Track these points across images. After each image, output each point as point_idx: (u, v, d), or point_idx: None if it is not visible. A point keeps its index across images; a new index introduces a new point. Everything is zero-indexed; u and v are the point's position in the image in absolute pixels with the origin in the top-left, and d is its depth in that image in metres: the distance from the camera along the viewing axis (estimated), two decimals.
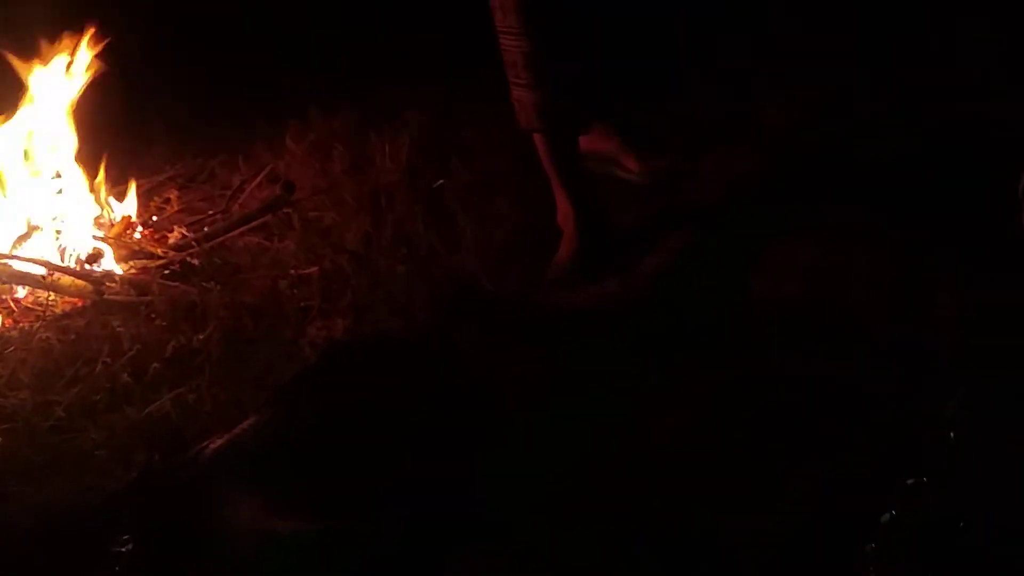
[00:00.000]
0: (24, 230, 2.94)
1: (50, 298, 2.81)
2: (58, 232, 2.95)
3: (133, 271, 2.91)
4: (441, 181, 2.92)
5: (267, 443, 1.94)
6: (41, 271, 2.83)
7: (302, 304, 2.49)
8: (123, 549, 1.82)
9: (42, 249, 2.92)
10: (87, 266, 2.89)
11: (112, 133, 3.24)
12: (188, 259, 2.91)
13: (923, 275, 2.19)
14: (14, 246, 2.88)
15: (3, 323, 2.73)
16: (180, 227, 3.05)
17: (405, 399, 1.98)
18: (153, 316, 2.62)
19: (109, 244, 2.94)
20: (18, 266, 2.84)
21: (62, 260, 2.89)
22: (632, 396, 2.01)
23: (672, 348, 2.13)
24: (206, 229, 3.05)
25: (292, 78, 3.70)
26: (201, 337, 2.33)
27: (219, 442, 2.01)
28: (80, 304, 2.79)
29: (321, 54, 3.72)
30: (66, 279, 2.82)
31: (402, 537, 1.72)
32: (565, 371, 2.12)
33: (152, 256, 2.97)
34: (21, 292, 2.86)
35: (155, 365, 2.32)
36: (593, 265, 2.46)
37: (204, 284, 2.71)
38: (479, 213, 2.83)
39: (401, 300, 2.44)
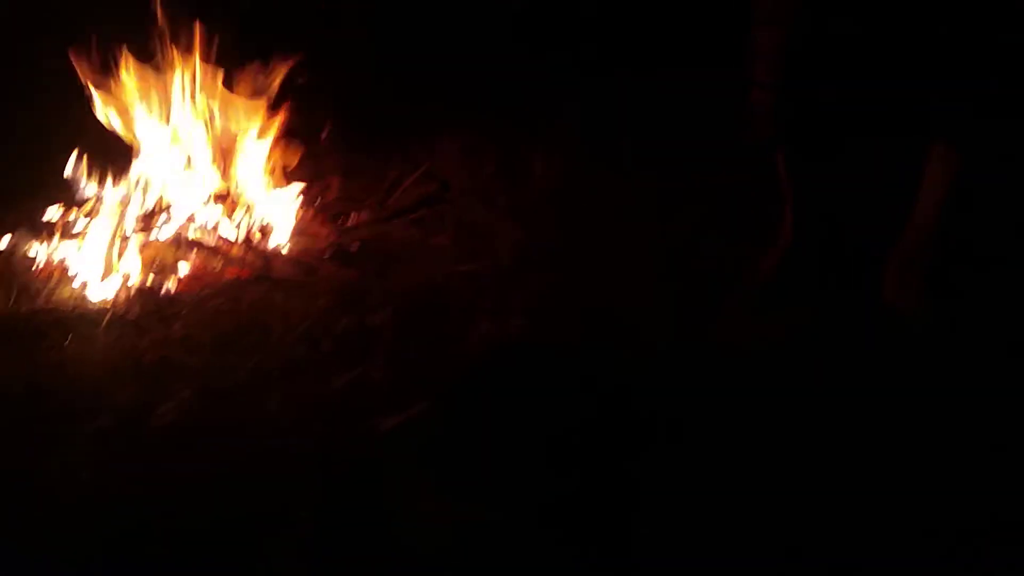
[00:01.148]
0: (202, 200, 3.13)
1: (218, 266, 3.00)
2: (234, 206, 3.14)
3: (296, 251, 3.06)
4: (597, 192, 3.00)
5: (444, 428, 2.04)
6: (212, 241, 3.03)
7: (465, 298, 2.59)
8: None
9: (216, 220, 3.11)
10: (256, 241, 3.06)
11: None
12: (348, 244, 3.07)
13: None
14: (190, 217, 3.08)
15: (175, 286, 2.91)
16: (349, 211, 3.18)
17: (577, 406, 2.05)
18: (319, 296, 2.76)
19: (281, 223, 3.11)
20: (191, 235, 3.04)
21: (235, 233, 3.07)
22: None
23: None
24: (368, 216, 3.18)
25: (447, 81, 3.84)
26: (376, 319, 2.43)
27: (393, 422, 2.12)
28: (247, 276, 2.96)
29: (478, 58, 3.86)
30: (235, 251, 3.00)
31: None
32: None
33: (314, 238, 3.13)
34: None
35: (327, 342, 2.46)
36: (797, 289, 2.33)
37: (365, 270, 2.85)
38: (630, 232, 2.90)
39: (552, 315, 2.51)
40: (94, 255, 2.95)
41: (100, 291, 2.86)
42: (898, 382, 2.11)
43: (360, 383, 2.25)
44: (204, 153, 3.17)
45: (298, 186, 3.28)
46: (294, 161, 3.30)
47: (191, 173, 3.14)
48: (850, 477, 1.90)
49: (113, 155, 3.18)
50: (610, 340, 2.25)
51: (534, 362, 2.16)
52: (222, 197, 3.13)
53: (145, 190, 3.13)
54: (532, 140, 3.47)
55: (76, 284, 2.87)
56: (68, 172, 3.13)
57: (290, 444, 2.08)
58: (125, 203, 3.09)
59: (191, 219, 3.06)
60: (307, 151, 3.46)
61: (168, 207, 3.07)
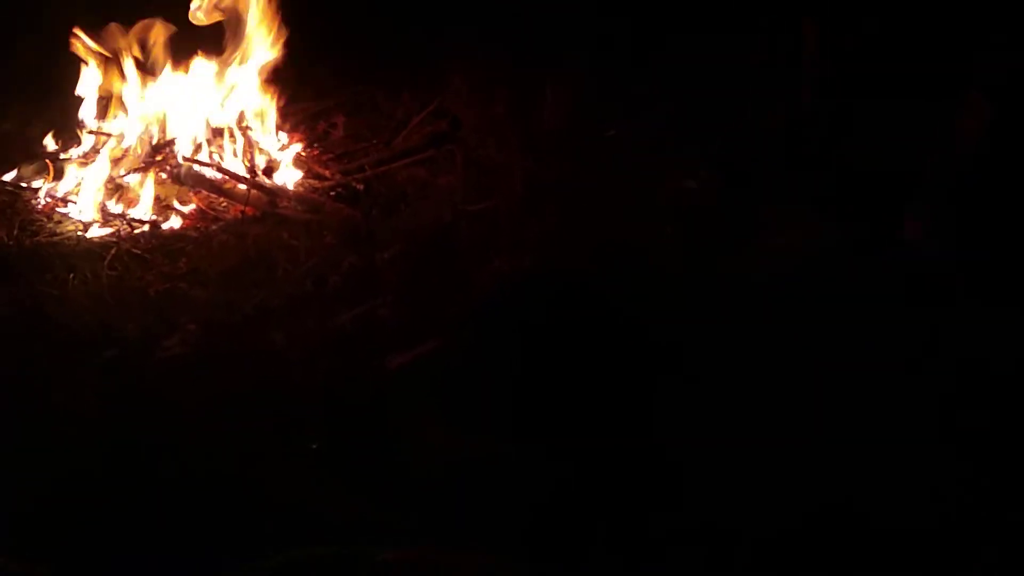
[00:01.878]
0: (205, 135, 3.07)
1: (223, 203, 2.96)
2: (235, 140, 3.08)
3: (302, 189, 3.02)
4: (612, 132, 2.94)
5: (454, 364, 2.03)
6: (218, 176, 2.98)
7: (473, 238, 2.56)
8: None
9: (220, 156, 3.06)
10: (262, 177, 3.01)
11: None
12: (354, 183, 3.02)
13: None
14: (195, 151, 3.03)
15: (181, 223, 2.88)
16: (356, 149, 3.14)
17: (585, 340, 2.03)
18: (325, 234, 2.73)
19: (283, 160, 3.05)
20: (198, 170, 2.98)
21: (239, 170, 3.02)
22: None
23: None
24: (375, 154, 3.13)
25: (456, 15, 3.74)
26: (383, 257, 2.40)
27: (402, 359, 2.11)
28: (251, 213, 2.92)
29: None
30: (240, 187, 2.96)
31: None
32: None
33: (320, 177, 3.08)
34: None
35: (334, 278, 2.43)
36: None
37: (372, 209, 2.82)
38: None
39: (571, 247, 2.48)
40: (99, 189, 2.92)
41: (105, 225, 2.83)
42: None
43: (368, 320, 2.24)
44: (210, 88, 3.12)
45: (304, 123, 3.24)
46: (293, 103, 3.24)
47: (196, 107, 3.09)
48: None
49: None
50: (619, 274, 2.22)
51: (543, 298, 2.13)
52: (227, 133, 3.08)
53: (149, 124, 3.09)
54: (542, 77, 3.40)
55: (80, 218, 2.84)
56: (79, 89, 3.07)
57: (295, 379, 2.07)
58: (130, 137, 3.05)
59: (196, 154, 3.02)
60: (312, 88, 3.42)
61: (172, 142, 3.03)
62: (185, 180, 2.92)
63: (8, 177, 3.00)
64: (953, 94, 2.25)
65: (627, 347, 1.96)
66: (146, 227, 2.78)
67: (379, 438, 1.89)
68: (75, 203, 2.88)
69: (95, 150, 3.05)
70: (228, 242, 2.71)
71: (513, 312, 2.07)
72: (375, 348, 2.14)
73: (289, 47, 3.20)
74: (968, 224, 2.27)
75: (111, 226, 2.80)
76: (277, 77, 3.21)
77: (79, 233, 2.77)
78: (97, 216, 2.83)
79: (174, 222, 2.83)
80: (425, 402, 1.93)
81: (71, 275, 2.51)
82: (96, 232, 2.80)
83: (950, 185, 2.27)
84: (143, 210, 2.85)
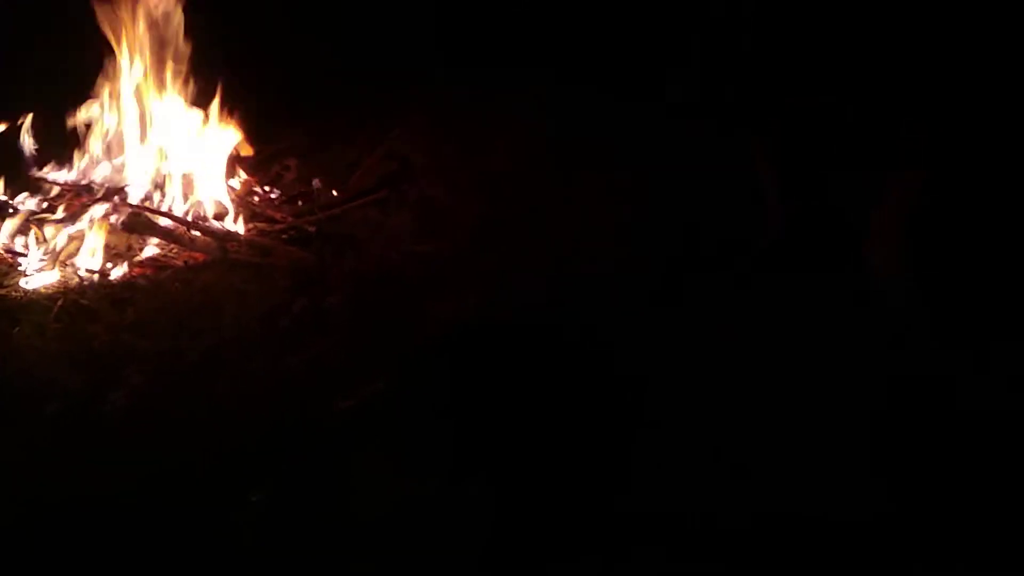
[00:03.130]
0: (154, 183, 3.06)
1: (173, 251, 2.94)
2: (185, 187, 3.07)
3: (253, 233, 3.02)
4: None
5: (400, 408, 2.02)
6: (167, 223, 2.96)
7: (422, 279, 2.56)
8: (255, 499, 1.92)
9: (169, 203, 3.05)
10: (211, 223, 3.00)
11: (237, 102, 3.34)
12: (306, 226, 3.02)
13: None
14: (145, 198, 3.01)
15: (129, 271, 2.85)
16: (307, 192, 3.13)
17: (540, 383, 2.04)
18: (276, 277, 2.72)
19: (233, 205, 3.05)
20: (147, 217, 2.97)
21: (188, 216, 3.01)
22: None
23: None
24: (326, 196, 3.13)
25: (405, 56, 3.78)
26: (331, 300, 2.40)
27: (349, 403, 2.10)
28: (202, 259, 2.90)
29: (438, 34, 3.80)
30: (189, 234, 2.94)
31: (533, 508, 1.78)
32: None
33: (271, 220, 3.08)
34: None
35: (283, 322, 2.42)
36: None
37: (323, 251, 2.82)
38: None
39: (517, 288, 2.49)
40: (44, 240, 2.89)
41: (51, 277, 2.79)
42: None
43: (316, 364, 2.23)
44: (158, 135, 3.12)
45: (256, 166, 3.25)
46: (247, 148, 3.26)
47: (145, 155, 3.09)
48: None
49: (64, 137, 3.13)
50: (564, 316, 2.24)
51: (487, 341, 2.15)
52: (176, 179, 3.08)
53: (98, 173, 3.08)
54: (492, 119, 3.45)
55: (26, 270, 2.81)
56: (22, 144, 3.05)
57: (241, 430, 2.05)
58: (76, 187, 3.03)
59: (144, 202, 3.01)
60: (265, 132, 3.43)
61: (122, 190, 3.02)
62: (134, 228, 2.92)
63: None
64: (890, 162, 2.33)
65: (571, 388, 1.97)
66: (94, 277, 2.78)
67: (323, 481, 1.88)
68: (23, 254, 2.86)
69: (44, 198, 3.04)
70: (177, 290, 2.70)
71: (458, 354, 2.07)
72: (323, 391, 2.15)
73: (240, 91, 3.24)
74: (925, 261, 2.36)
75: (60, 277, 2.78)
76: (229, 121, 3.25)
77: (25, 284, 2.75)
78: (44, 267, 2.81)
79: (123, 271, 2.82)
80: (368, 446, 1.93)
81: (15, 329, 2.50)
82: (42, 282, 2.77)
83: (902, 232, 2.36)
84: (92, 260, 2.84)
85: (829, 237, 2.49)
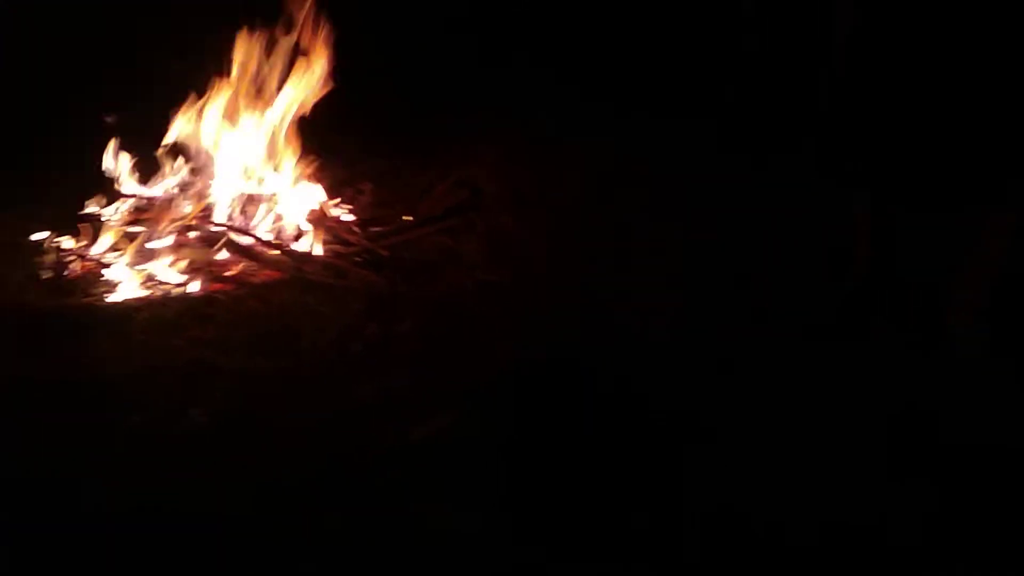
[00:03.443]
0: (237, 201, 3.17)
1: (252, 268, 3.04)
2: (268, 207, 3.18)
3: (328, 254, 3.10)
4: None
5: (467, 442, 2.07)
6: (247, 241, 3.06)
7: (492, 309, 2.61)
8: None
9: (250, 222, 3.15)
10: (290, 243, 3.09)
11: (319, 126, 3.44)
12: (379, 250, 3.10)
13: None
14: (229, 216, 3.12)
15: (208, 286, 2.95)
16: (381, 216, 3.23)
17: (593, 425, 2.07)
18: (349, 300, 2.79)
19: (311, 226, 3.14)
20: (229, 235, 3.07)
21: (267, 235, 3.11)
22: None
23: None
24: (397, 223, 3.22)
25: (482, 89, 3.86)
26: (402, 327, 2.46)
27: (420, 433, 2.15)
28: (278, 277, 2.99)
29: (512, 68, 3.88)
30: (269, 253, 3.04)
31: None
32: None
33: (345, 243, 3.16)
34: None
35: (356, 347, 2.49)
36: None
37: (394, 276, 2.88)
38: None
39: (585, 325, 2.52)
40: (132, 252, 3.02)
41: (136, 288, 2.91)
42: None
43: (387, 391, 2.29)
44: (242, 155, 3.23)
45: (332, 190, 3.34)
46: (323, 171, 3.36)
47: (230, 174, 3.20)
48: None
49: (151, 153, 3.26)
50: (634, 356, 2.28)
51: (555, 378, 2.19)
52: (258, 199, 3.18)
53: (185, 190, 3.20)
54: (564, 151, 3.50)
55: (113, 280, 2.93)
56: (106, 165, 3.19)
57: (315, 449, 2.12)
58: (164, 202, 3.16)
59: (229, 220, 3.12)
60: (342, 156, 3.53)
61: (207, 207, 3.13)
62: (217, 245, 3.02)
63: (43, 235, 3.12)
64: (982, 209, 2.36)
65: (635, 432, 2.00)
66: (176, 290, 2.89)
67: (392, 509, 1.93)
68: (110, 265, 2.99)
69: (133, 212, 3.17)
70: (255, 307, 2.79)
71: (527, 391, 2.12)
72: (394, 420, 2.20)
73: (320, 116, 3.34)
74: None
75: (144, 289, 2.90)
76: (309, 145, 3.35)
77: (111, 295, 2.88)
78: (131, 279, 2.94)
79: (203, 285, 2.93)
80: (434, 478, 1.97)
81: (102, 338, 2.61)
82: (127, 294, 2.90)
83: (986, 278, 2.38)
84: (174, 274, 2.95)
85: (908, 286, 2.51)
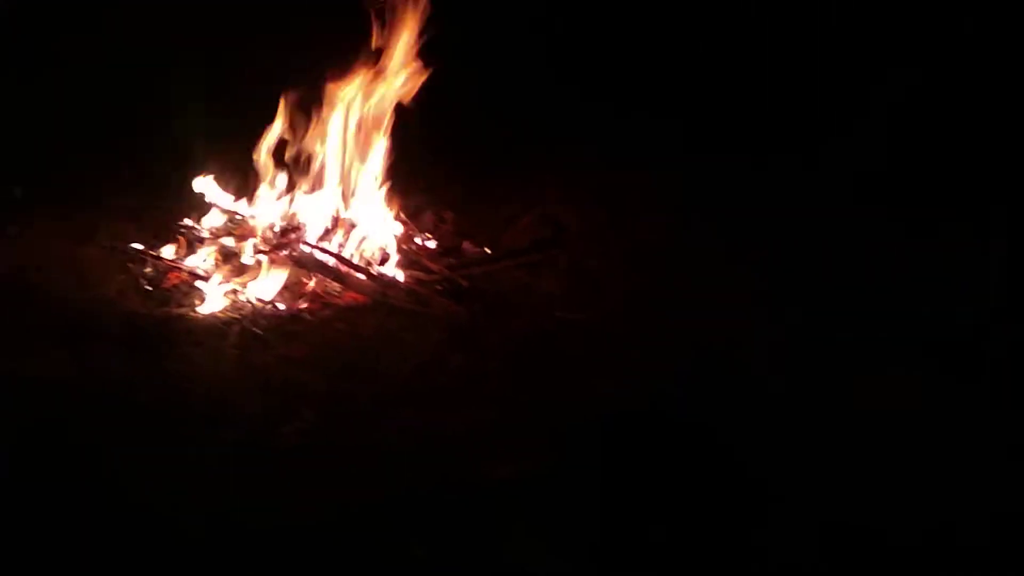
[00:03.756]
0: (328, 225, 3.26)
1: (337, 289, 3.12)
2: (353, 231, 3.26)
3: (411, 281, 3.17)
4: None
5: (553, 485, 2.10)
6: (335, 263, 3.13)
7: (575, 350, 2.65)
8: None
9: (339, 245, 3.22)
10: (376, 268, 3.17)
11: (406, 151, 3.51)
12: (459, 279, 3.16)
13: None
14: (320, 238, 3.21)
15: (296, 305, 3.03)
16: (462, 246, 3.30)
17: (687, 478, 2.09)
18: (430, 328, 2.85)
19: (396, 252, 3.21)
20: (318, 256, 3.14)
21: (355, 259, 3.17)
22: None
23: None
24: (478, 253, 3.28)
25: (566, 123, 3.92)
26: (490, 364, 2.51)
27: (505, 471, 2.19)
28: (362, 301, 3.07)
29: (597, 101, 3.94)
30: (356, 276, 3.11)
31: None
32: None
33: (427, 270, 3.23)
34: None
35: (441, 379, 2.54)
36: None
37: (475, 308, 2.94)
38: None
39: (668, 369, 2.55)
40: (223, 267, 3.11)
41: (223, 302, 2.98)
42: None
43: (473, 426, 2.33)
44: (333, 179, 3.32)
45: (415, 217, 3.42)
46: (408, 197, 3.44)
47: (321, 197, 3.29)
48: None
49: (247, 172, 3.37)
50: (728, 403, 2.30)
51: (646, 425, 2.21)
52: (346, 222, 3.27)
53: (278, 210, 3.30)
54: (649, 187, 3.54)
55: (206, 292, 3.02)
56: (198, 187, 3.32)
57: (407, 480, 2.17)
58: (257, 220, 3.26)
59: (319, 241, 3.21)
60: (426, 183, 3.61)
61: (298, 228, 3.23)
62: (306, 265, 3.11)
63: (139, 245, 3.24)
64: None
65: (721, 481, 2.01)
66: (266, 306, 2.97)
67: (476, 545, 1.97)
68: (203, 277, 3.09)
69: (226, 226, 3.28)
70: (341, 330, 2.87)
71: (613, 436, 2.15)
72: (480, 455, 2.25)
73: (407, 143, 3.43)
74: None
75: (234, 303, 2.98)
76: (394, 171, 3.43)
77: (203, 307, 2.96)
78: (222, 293, 3.01)
79: (291, 304, 3.01)
80: (523, 517, 2.00)
81: (197, 350, 2.70)
82: (218, 308, 2.97)
83: None
84: (265, 290, 3.04)
85: None
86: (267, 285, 3.04)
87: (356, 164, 3.35)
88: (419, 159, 3.57)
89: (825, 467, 2.16)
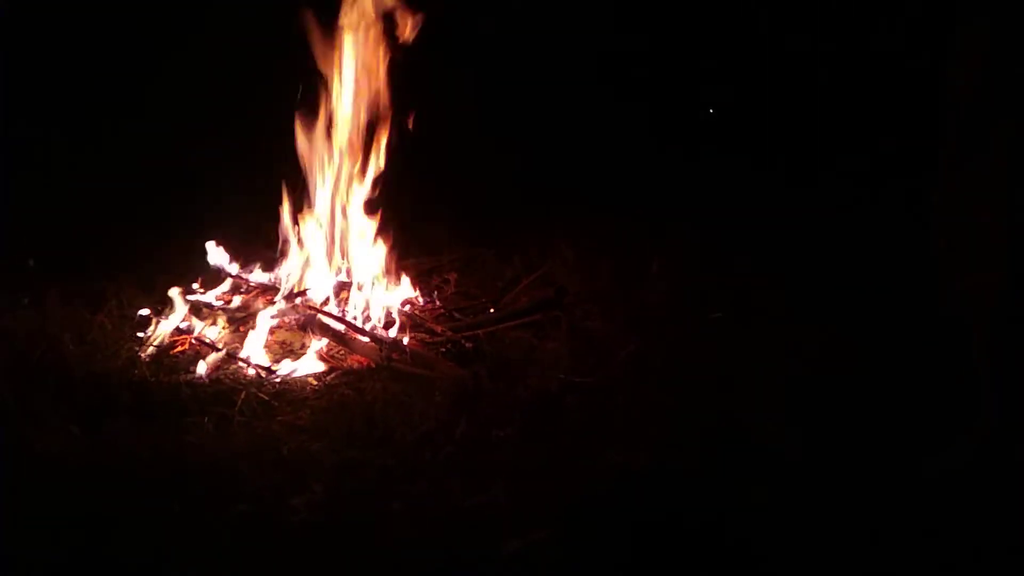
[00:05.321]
0: (331, 288, 3.32)
1: (340, 353, 3.15)
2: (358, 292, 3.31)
3: (415, 344, 3.21)
4: (719, 314, 3.06)
5: (564, 559, 2.11)
6: (339, 327, 3.18)
7: (582, 414, 2.67)
8: None
9: (343, 309, 3.28)
10: (380, 331, 3.21)
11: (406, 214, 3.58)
12: (463, 341, 3.20)
13: None
14: (324, 302, 3.26)
15: (301, 370, 3.06)
16: (465, 307, 3.35)
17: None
18: (435, 392, 2.87)
19: (399, 315, 3.25)
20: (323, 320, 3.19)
21: (359, 322, 3.22)
22: None
23: None
24: (483, 314, 3.32)
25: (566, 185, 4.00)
26: (498, 433, 2.54)
27: (515, 545, 2.20)
28: (366, 365, 3.10)
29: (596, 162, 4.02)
30: (360, 339, 3.15)
31: None
32: None
33: (431, 332, 3.27)
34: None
35: (447, 447, 2.56)
36: None
37: (479, 371, 2.97)
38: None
39: (677, 437, 2.56)
40: (230, 334, 3.16)
41: (234, 369, 3.02)
42: None
43: (481, 496, 2.35)
44: (334, 243, 3.38)
45: (418, 279, 3.47)
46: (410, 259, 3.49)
47: (323, 262, 3.35)
48: None
49: (252, 240, 3.43)
50: (738, 474, 2.31)
51: (657, 496, 2.23)
52: (350, 286, 3.32)
53: (281, 276, 3.36)
54: (648, 246, 3.59)
55: (212, 359, 3.04)
56: (211, 258, 3.38)
57: (417, 558, 2.17)
58: (262, 286, 3.31)
59: (322, 305, 3.25)
60: (428, 247, 3.66)
61: (301, 293, 3.27)
62: (310, 329, 3.15)
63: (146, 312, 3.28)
64: None
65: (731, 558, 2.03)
66: (271, 373, 2.99)
67: None
68: (210, 344, 3.12)
69: (233, 293, 3.33)
70: (347, 395, 2.89)
71: (626, 510, 2.17)
72: (490, 530, 2.25)
73: (407, 204, 3.49)
74: None
75: (240, 368, 3.01)
76: (397, 234, 3.49)
77: (212, 374, 2.98)
78: (229, 359, 3.04)
79: (296, 369, 3.05)
80: None
81: (205, 419, 2.73)
82: (227, 373, 2.98)
83: None
84: (269, 357, 3.07)
85: None
86: (270, 351, 3.08)
87: (358, 229, 3.43)
88: (421, 220, 3.66)
89: (838, 545, 2.15)
